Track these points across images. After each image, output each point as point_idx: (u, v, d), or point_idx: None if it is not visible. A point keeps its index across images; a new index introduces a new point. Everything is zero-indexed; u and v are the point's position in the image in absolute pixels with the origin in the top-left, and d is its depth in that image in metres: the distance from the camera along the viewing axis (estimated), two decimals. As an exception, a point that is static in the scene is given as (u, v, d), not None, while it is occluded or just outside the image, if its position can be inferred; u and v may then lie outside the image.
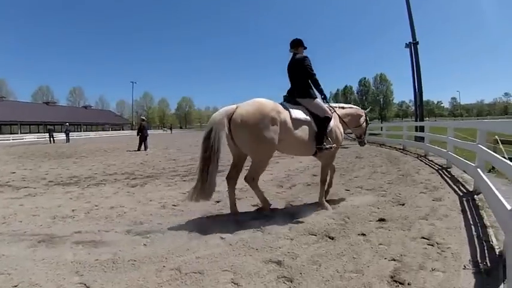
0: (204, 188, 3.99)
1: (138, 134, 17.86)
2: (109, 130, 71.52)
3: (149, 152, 16.42)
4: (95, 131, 66.42)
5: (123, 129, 76.25)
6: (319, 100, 4.71)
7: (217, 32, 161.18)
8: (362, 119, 5.68)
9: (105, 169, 10.04)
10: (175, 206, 5.17)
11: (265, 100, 4.28)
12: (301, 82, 4.66)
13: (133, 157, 13.97)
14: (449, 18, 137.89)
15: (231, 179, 4.42)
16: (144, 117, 20.64)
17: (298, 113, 4.44)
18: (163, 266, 2.92)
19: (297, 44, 4.79)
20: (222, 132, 3.95)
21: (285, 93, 4.83)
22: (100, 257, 3.14)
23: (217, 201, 5.29)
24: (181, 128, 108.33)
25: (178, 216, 4.59)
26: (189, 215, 4.57)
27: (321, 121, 4.55)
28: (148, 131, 19.16)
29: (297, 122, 4.35)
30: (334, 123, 4.83)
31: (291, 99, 4.67)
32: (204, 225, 4.02)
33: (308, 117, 4.50)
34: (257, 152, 4.17)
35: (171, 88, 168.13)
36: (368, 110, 6.21)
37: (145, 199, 5.69)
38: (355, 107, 5.73)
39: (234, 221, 4.17)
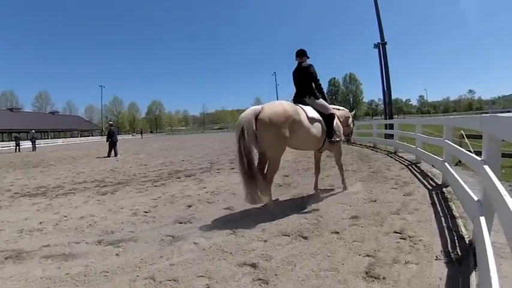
0: (260, 187, 4.37)
1: (107, 140, 17.42)
2: (78, 136, 69.44)
3: (119, 158, 16.05)
4: (63, 137, 64.37)
5: (92, 135, 74.11)
6: (322, 100, 5.34)
7: (185, 33, 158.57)
8: (350, 120, 6.48)
9: (74, 177, 9.69)
10: (146, 212, 5.05)
11: (288, 103, 4.82)
12: (308, 86, 5.30)
13: (103, 164, 13.60)
14: (418, 18, 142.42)
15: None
16: (112, 122, 20.16)
17: (313, 112, 5.02)
18: (137, 276, 2.82)
19: (301, 54, 5.40)
20: (251, 129, 4.29)
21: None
22: (71, 271, 3.00)
23: (189, 206, 5.25)
24: (151, 132, 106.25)
25: (150, 223, 4.49)
26: (161, 222, 4.49)
27: (327, 118, 5.16)
28: (118, 137, 18.74)
29: (312, 120, 4.91)
30: (336, 122, 5.41)
31: (300, 101, 5.21)
32: (177, 231, 3.96)
33: (319, 116, 5.09)
34: (276, 149, 4.57)
35: (140, 92, 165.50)
36: (353, 112, 7.11)
37: (116, 207, 5.52)
38: (346, 109, 6.53)
39: (206, 225, 4.15)
